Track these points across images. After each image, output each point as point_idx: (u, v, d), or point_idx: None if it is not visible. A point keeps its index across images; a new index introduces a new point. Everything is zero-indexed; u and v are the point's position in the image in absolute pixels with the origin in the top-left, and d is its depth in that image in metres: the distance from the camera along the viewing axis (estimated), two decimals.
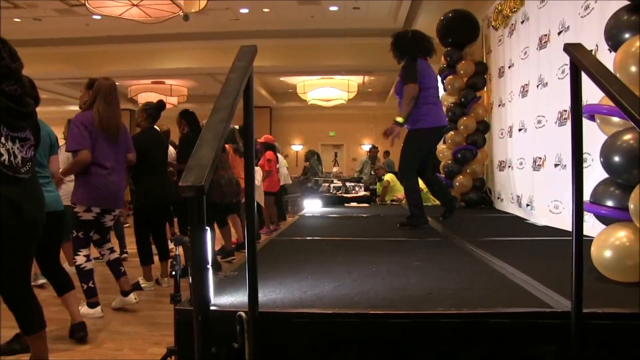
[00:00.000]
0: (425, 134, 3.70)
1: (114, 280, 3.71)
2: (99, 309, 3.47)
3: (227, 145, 5.43)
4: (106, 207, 3.52)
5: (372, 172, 9.02)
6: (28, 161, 2.23)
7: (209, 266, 1.48)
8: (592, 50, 3.10)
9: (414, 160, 3.74)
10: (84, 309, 3.39)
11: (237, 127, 5.79)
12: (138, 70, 11.44)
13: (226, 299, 1.72)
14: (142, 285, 4.24)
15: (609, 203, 2.17)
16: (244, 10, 9.35)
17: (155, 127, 4.72)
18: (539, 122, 4.25)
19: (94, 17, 8.90)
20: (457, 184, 5.65)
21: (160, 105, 4.69)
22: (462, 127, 5.64)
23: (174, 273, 1.97)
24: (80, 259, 3.43)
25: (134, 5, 6.57)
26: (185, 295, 1.75)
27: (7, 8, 8.72)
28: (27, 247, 2.29)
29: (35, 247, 2.38)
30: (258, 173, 6.77)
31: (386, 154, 12.10)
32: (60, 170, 3.41)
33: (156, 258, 4.53)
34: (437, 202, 6.42)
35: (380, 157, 11.85)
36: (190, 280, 1.43)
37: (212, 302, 1.61)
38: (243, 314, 1.49)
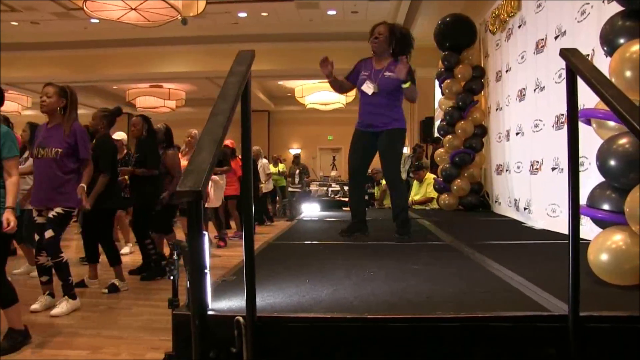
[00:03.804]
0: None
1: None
2: (78, 300, 3.72)
3: None
4: None
5: (411, 175, 8.78)
6: None
7: (207, 270, 1.49)
8: (588, 55, 3.12)
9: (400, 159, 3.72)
10: (70, 304, 3.62)
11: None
12: (136, 74, 11.44)
13: (224, 303, 1.71)
14: (119, 285, 4.36)
15: (605, 207, 2.18)
16: (243, 14, 9.37)
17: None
18: (536, 126, 4.27)
19: (92, 20, 8.91)
20: (455, 187, 5.67)
21: (117, 111, 4.85)
22: (459, 131, 5.65)
23: (171, 278, 1.97)
24: (63, 255, 3.64)
25: (132, 9, 6.58)
26: (183, 300, 1.74)
27: (4, 11, 8.72)
28: None
29: None
30: (221, 178, 6.92)
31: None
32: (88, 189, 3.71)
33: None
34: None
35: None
36: (188, 285, 1.43)
37: (210, 307, 1.61)
38: (241, 318, 1.49)
